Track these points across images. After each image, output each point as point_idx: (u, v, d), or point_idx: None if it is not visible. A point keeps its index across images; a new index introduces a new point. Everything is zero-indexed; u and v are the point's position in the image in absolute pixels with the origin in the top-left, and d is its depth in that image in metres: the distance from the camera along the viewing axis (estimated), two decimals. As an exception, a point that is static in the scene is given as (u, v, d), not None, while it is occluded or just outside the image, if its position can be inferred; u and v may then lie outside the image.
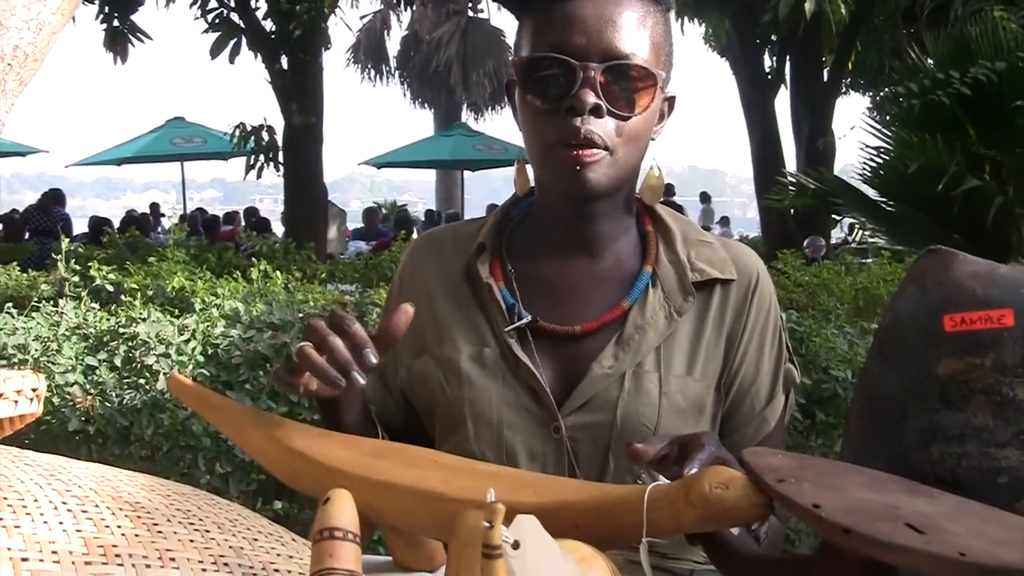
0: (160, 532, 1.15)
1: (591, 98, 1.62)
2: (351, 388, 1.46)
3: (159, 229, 20.37)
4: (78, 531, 1.11)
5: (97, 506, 1.16)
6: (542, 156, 1.70)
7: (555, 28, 1.67)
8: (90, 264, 5.27)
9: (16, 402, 1.39)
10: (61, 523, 1.11)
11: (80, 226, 17.64)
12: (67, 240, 5.53)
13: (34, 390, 1.43)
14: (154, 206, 24.59)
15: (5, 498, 1.12)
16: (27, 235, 15.12)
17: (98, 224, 16.48)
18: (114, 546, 1.10)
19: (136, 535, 1.13)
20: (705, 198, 26.44)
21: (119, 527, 1.14)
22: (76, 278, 5.11)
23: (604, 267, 1.79)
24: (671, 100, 1.81)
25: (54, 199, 15.99)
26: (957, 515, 1.07)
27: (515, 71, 1.73)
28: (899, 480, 1.18)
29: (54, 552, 1.07)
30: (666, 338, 1.74)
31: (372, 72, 34.55)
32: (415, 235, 16.71)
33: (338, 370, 1.45)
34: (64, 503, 1.14)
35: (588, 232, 1.78)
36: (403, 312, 1.55)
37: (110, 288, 5.15)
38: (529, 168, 1.84)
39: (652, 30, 1.69)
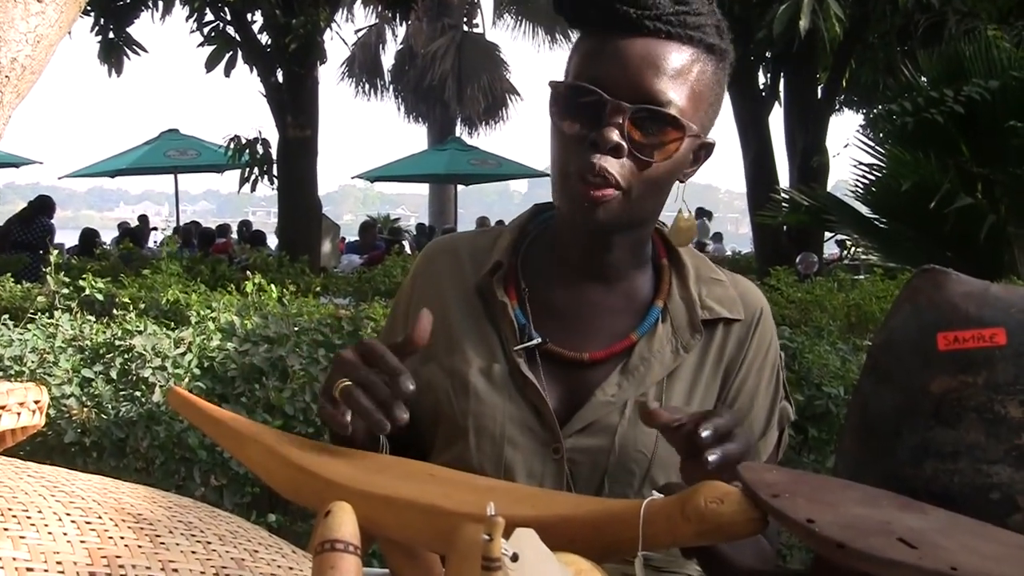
0: (163, 543, 1.17)
1: (615, 136, 1.61)
2: (394, 425, 1.44)
3: (153, 242, 20.33)
4: (82, 542, 1.12)
5: (100, 517, 1.17)
6: (560, 183, 1.70)
7: (600, 60, 1.66)
8: (84, 276, 5.27)
9: (19, 414, 1.41)
10: (65, 534, 1.12)
11: (70, 237, 17.47)
12: (55, 252, 5.50)
13: (36, 402, 1.44)
14: (143, 218, 24.53)
15: (10, 509, 1.13)
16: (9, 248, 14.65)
17: (88, 236, 16.38)
18: (117, 557, 1.11)
19: (139, 546, 1.14)
20: (702, 213, 25.97)
21: (122, 538, 1.15)
22: (66, 290, 5.11)
23: (616, 297, 1.81)
24: (708, 146, 1.79)
25: (39, 208, 15.19)
26: (949, 530, 1.09)
27: (552, 91, 1.73)
28: (892, 496, 1.19)
29: (59, 563, 1.08)
30: (670, 372, 1.76)
31: (367, 86, 34.62)
32: (407, 249, 16.71)
33: (382, 409, 1.44)
34: (68, 514, 1.16)
35: (602, 261, 1.79)
36: (425, 318, 1.54)
37: (100, 298, 5.14)
38: None
39: (696, 80, 1.68)
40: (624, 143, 1.63)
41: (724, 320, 1.80)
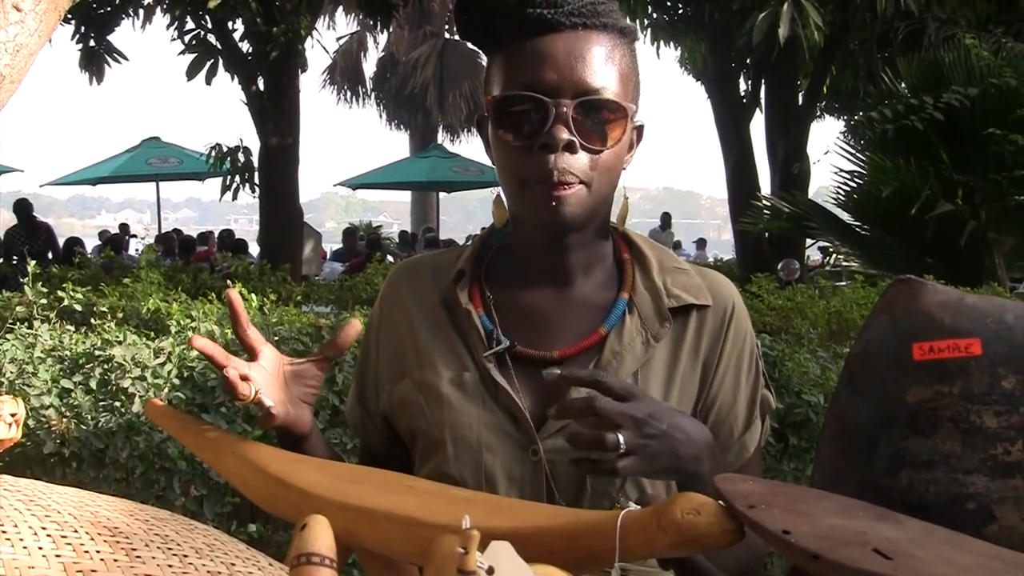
0: (139, 557, 1.16)
1: (564, 134, 1.65)
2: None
3: (133, 251, 20.24)
4: (57, 556, 1.11)
5: (76, 531, 1.17)
6: (517, 192, 1.72)
7: (526, 65, 1.69)
8: (64, 285, 5.23)
9: (-5, 427, 1.40)
10: (41, 548, 1.11)
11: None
12: (33, 262, 5.45)
13: (13, 415, 1.44)
14: (124, 227, 24.43)
15: (-15, 524, 1.12)
16: (14, 259, 14.69)
17: (68, 245, 16.33)
18: (93, 571, 1.11)
19: (115, 560, 1.14)
20: (665, 223, 24.34)
21: (98, 552, 1.14)
22: (44, 300, 5.07)
23: (581, 294, 1.81)
24: (639, 129, 1.83)
25: (29, 213, 15.67)
26: (924, 541, 1.09)
27: (487, 108, 1.75)
28: (868, 506, 1.19)
29: (34, 577, 1.07)
30: (643, 363, 1.76)
31: (348, 93, 34.67)
32: (389, 257, 16.71)
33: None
34: (44, 528, 1.15)
35: (564, 262, 1.80)
36: (352, 327, 1.74)
37: (77, 307, 5.11)
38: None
39: (620, 63, 1.72)
40: (575, 138, 1.66)
41: (695, 310, 1.81)
